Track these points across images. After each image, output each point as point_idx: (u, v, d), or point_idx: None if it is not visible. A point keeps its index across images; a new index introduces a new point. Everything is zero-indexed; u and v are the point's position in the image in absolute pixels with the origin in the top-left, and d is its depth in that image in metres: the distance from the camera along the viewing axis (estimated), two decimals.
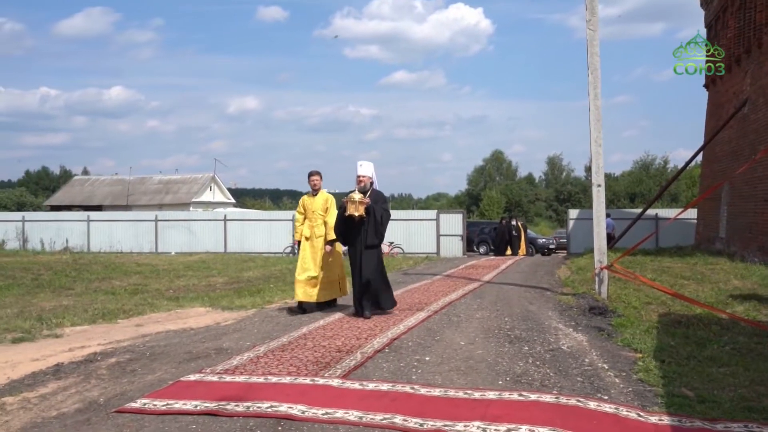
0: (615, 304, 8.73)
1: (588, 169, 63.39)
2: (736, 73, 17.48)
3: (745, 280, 11.01)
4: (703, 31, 21.04)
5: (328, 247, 8.37)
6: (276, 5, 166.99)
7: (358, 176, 8.07)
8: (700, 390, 4.59)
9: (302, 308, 8.36)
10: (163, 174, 46.58)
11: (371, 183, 8.19)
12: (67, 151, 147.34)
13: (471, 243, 27.03)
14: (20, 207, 53.64)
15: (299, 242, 8.64)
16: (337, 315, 8.09)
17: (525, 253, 25.34)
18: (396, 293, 10.50)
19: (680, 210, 17.43)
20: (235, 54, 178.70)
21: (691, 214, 21.56)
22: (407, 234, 24.26)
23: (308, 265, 8.37)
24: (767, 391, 4.57)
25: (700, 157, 21.40)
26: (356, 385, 4.73)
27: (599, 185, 9.86)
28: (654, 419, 3.98)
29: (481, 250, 27.71)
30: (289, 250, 23.41)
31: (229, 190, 50.33)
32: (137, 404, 4.33)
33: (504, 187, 70.67)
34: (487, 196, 66.22)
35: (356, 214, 7.76)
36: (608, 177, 65.42)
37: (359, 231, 7.93)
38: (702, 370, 5.19)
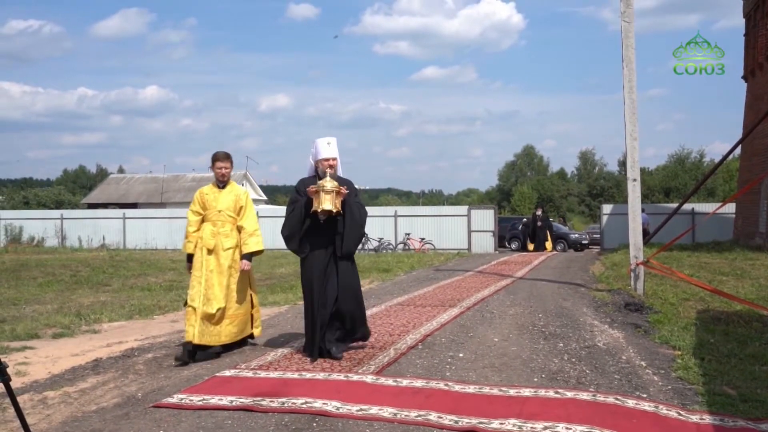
0: (651, 301, 8.58)
1: (621, 164, 62.43)
2: None
3: None
4: (742, 22, 20.52)
5: (247, 264, 5.88)
6: (307, 3, 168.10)
7: (325, 159, 5.56)
8: (743, 389, 4.47)
9: (192, 354, 5.59)
10: (196, 171, 47.18)
11: None
12: (104, 150, 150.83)
13: (502, 239, 26.82)
14: (59, 205, 54.77)
15: (191, 256, 5.90)
16: (370, 311, 8.02)
17: (551, 248, 24.32)
18: (428, 289, 10.50)
19: (719, 205, 17.05)
20: (266, 52, 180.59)
21: (729, 208, 21.08)
22: (438, 230, 24.16)
23: (214, 292, 5.68)
24: None
25: (738, 151, 20.88)
26: (390, 382, 4.72)
27: (635, 180, 9.68)
28: (695, 418, 3.88)
29: (513, 246, 27.47)
30: None
31: (261, 187, 50.85)
32: (174, 399, 4.39)
33: (535, 182, 69.96)
34: (519, 191, 65.65)
35: (334, 210, 5.37)
36: (643, 171, 64.08)
37: (325, 235, 5.56)
38: (744, 368, 5.06)
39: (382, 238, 23.87)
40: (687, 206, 22.65)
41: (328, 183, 5.37)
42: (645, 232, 19.68)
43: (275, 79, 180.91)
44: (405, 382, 4.70)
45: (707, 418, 3.87)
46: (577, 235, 28.77)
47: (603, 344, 6.03)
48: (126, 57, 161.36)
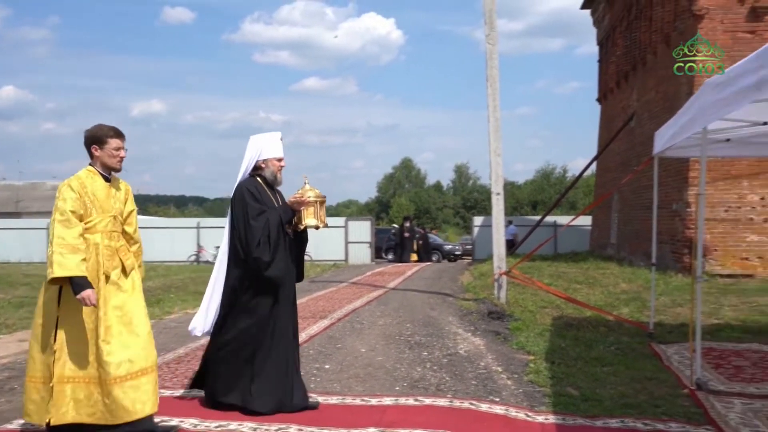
0: (513, 309, 9.05)
1: None
2: (624, 89, 18.61)
3: (631, 283, 11.70)
4: (596, 49, 22.27)
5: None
6: (182, 6, 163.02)
7: (278, 159, 4.53)
8: (585, 389, 4.83)
9: None
10: (58, 179, 44.07)
11: None
12: None
13: (380, 250, 27.23)
14: None
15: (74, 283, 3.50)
16: None
17: (416, 259, 24.48)
18: (300, 301, 10.30)
19: (573, 217, 18.39)
20: (138, 55, 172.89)
21: (588, 221, 22.72)
22: (315, 241, 23.96)
23: (126, 342, 3.75)
24: (643, 387, 4.89)
25: (594, 167, 22.62)
26: None
27: (498, 193, 10.20)
28: (540, 419, 4.15)
29: (390, 256, 27.97)
30: (193, 258, 22.75)
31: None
32: (14, 425, 4.07)
33: (413, 194, 71.85)
34: (397, 203, 67.09)
35: (325, 224, 4.49)
36: (512, 185, 67.99)
37: (290, 255, 4.41)
38: (588, 370, 5.47)
39: None
40: (550, 218, 24.15)
41: (311, 191, 4.41)
42: (513, 243, 20.83)
43: (149, 84, 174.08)
44: None
45: (551, 418, 4.15)
46: (450, 246, 29.81)
47: (464, 351, 6.28)
48: None
